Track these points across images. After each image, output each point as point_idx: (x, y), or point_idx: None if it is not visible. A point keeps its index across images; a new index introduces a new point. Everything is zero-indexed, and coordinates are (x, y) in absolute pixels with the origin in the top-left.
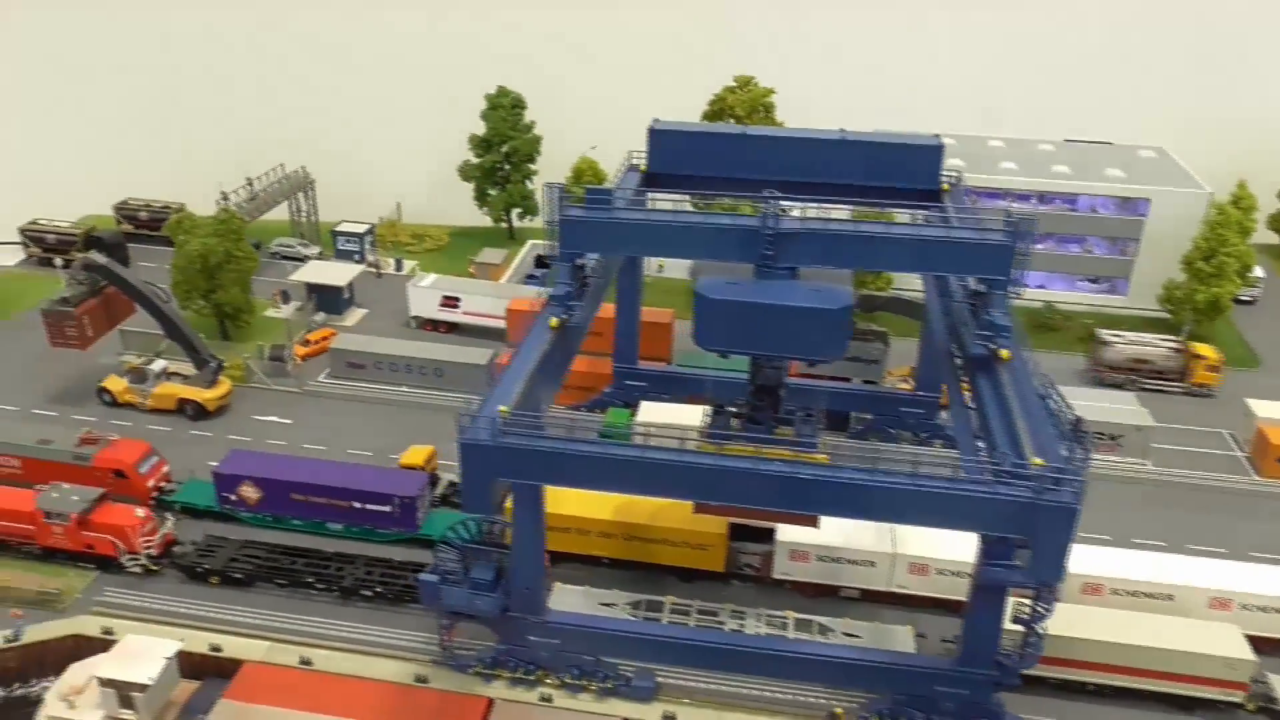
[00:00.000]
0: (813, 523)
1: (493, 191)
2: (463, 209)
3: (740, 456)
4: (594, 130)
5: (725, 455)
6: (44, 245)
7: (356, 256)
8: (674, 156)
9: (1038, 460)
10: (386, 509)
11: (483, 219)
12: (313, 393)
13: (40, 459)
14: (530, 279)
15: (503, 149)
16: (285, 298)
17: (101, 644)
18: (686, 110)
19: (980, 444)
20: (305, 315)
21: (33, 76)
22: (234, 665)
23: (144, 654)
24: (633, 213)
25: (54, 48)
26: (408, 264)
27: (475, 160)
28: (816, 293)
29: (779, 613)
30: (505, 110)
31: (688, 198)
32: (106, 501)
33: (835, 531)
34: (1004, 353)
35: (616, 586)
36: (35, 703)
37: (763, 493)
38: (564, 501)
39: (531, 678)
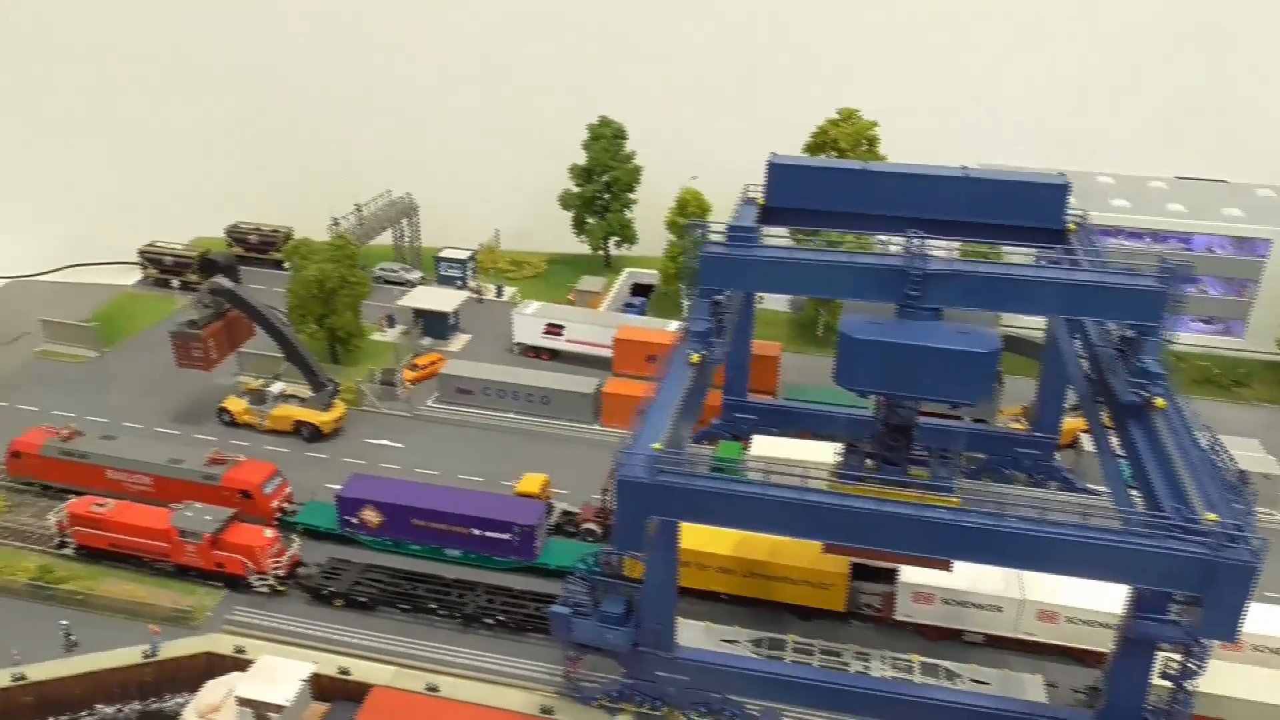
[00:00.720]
0: (946, 566)
1: (591, 220)
2: (559, 237)
3: (893, 500)
4: (692, 161)
5: (884, 499)
6: (161, 266)
7: (459, 282)
8: (792, 190)
9: (1210, 515)
10: (505, 537)
11: (579, 247)
12: (422, 417)
13: (171, 477)
14: (628, 307)
15: (603, 178)
16: (390, 322)
17: (233, 662)
18: (786, 143)
19: (1135, 494)
20: (411, 340)
21: (149, 101)
22: (361, 689)
23: (280, 675)
24: (775, 251)
25: (168, 74)
26: (508, 290)
27: (575, 189)
28: (964, 335)
29: (904, 655)
30: (607, 140)
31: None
32: (237, 521)
33: (961, 574)
34: (1159, 401)
35: (733, 623)
36: (171, 718)
37: (919, 537)
38: (683, 535)
39: (658, 713)
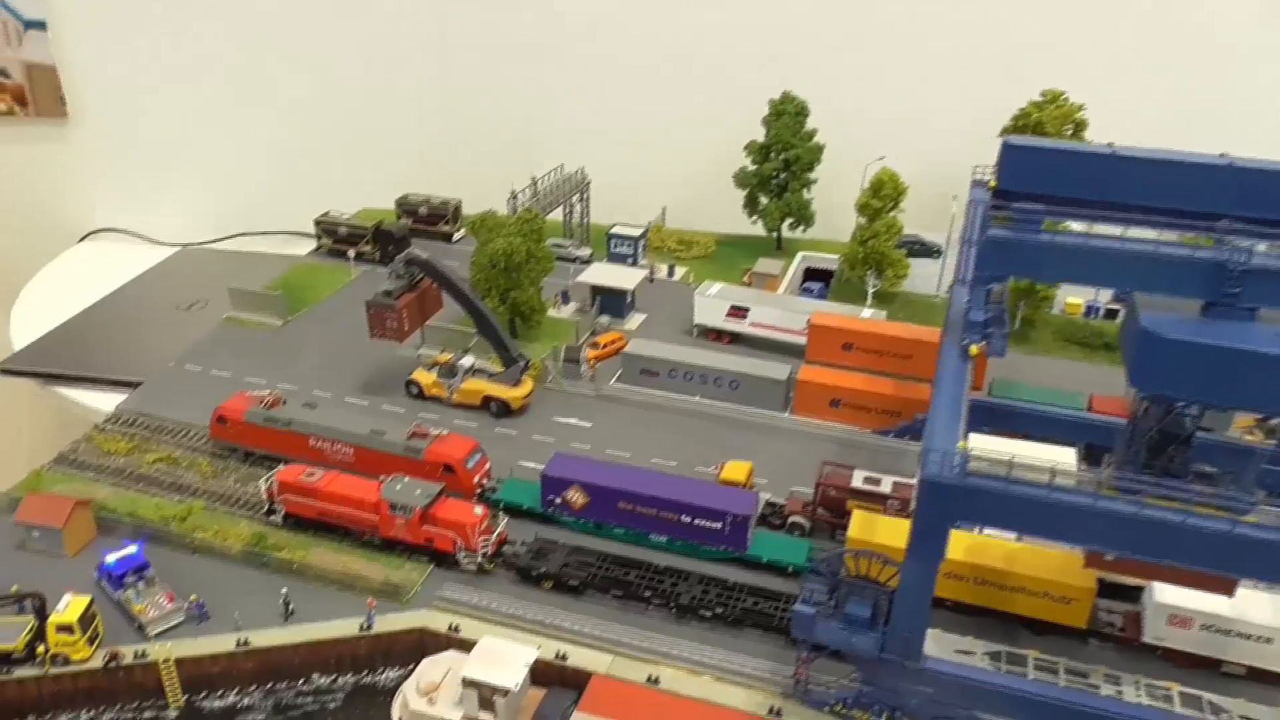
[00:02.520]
0: (1229, 590)
1: (766, 200)
2: (727, 217)
3: (1212, 516)
4: (876, 142)
5: (1204, 514)
6: (335, 237)
7: (630, 260)
8: (1029, 174)
9: None
10: (717, 526)
11: (747, 227)
12: (606, 397)
13: (373, 449)
14: (805, 292)
15: (782, 157)
16: (565, 299)
17: (446, 640)
18: (980, 124)
19: None
20: (588, 317)
21: (321, 75)
22: (577, 675)
23: (505, 658)
24: (1070, 238)
25: (339, 48)
26: (679, 270)
27: (752, 167)
28: None
29: (1159, 683)
30: (790, 117)
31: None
32: (444, 497)
33: (1222, 599)
34: None
35: (957, 631)
36: (383, 691)
37: (1233, 554)
38: (878, 530)
39: None
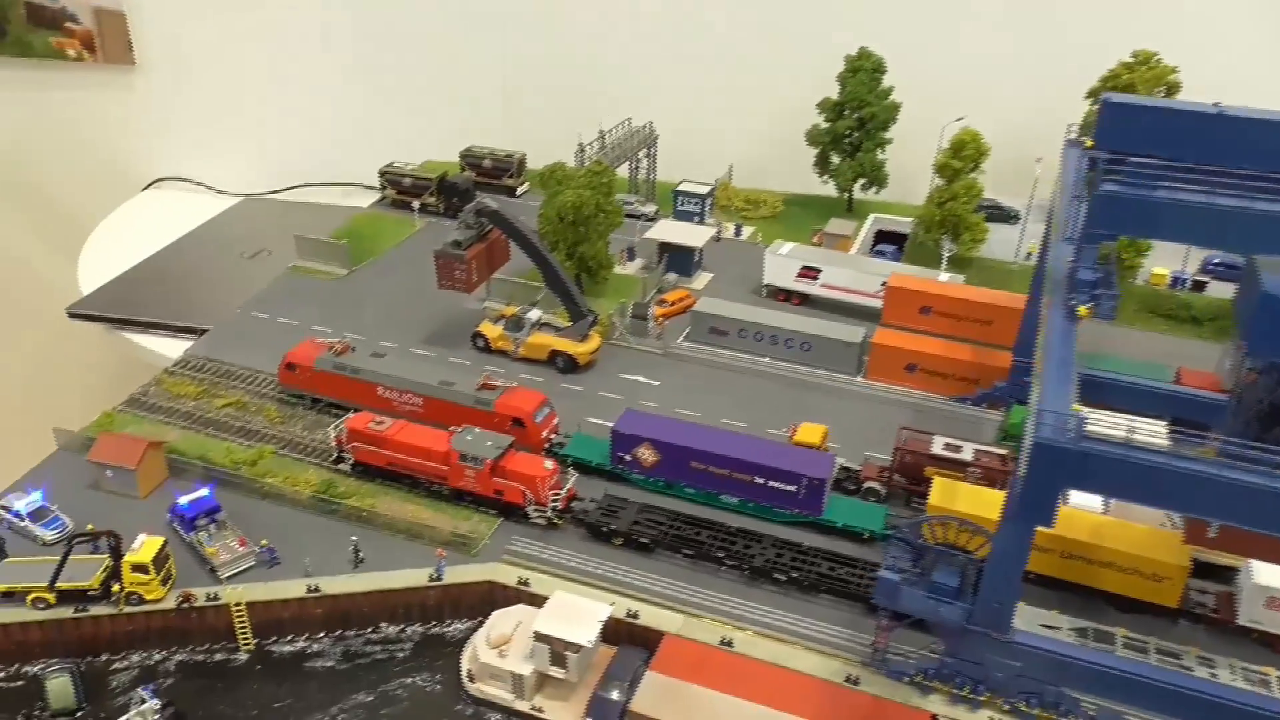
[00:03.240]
0: None
1: (837, 159)
2: (795, 176)
3: None
4: (955, 102)
5: None
6: (400, 188)
7: (696, 218)
8: (1130, 134)
9: None
10: (792, 489)
11: (815, 187)
12: (674, 355)
13: (442, 399)
14: (877, 254)
15: (856, 115)
16: (630, 255)
17: (515, 594)
18: (1063, 86)
19: None
20: (654, 274)
21: (387, 26)
22: (647, 634)
23: (578, 614)
24: (1193, 195)
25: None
26: (746, 230)
27: (824, 125)
28: None
29: (1255, 667)
30: (866, 74)
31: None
32: (514, 450)
33: None
34: None
35: (1040, 605)
36: (451, 642)
37: None
38: (993, 505)
39: (980, 698)
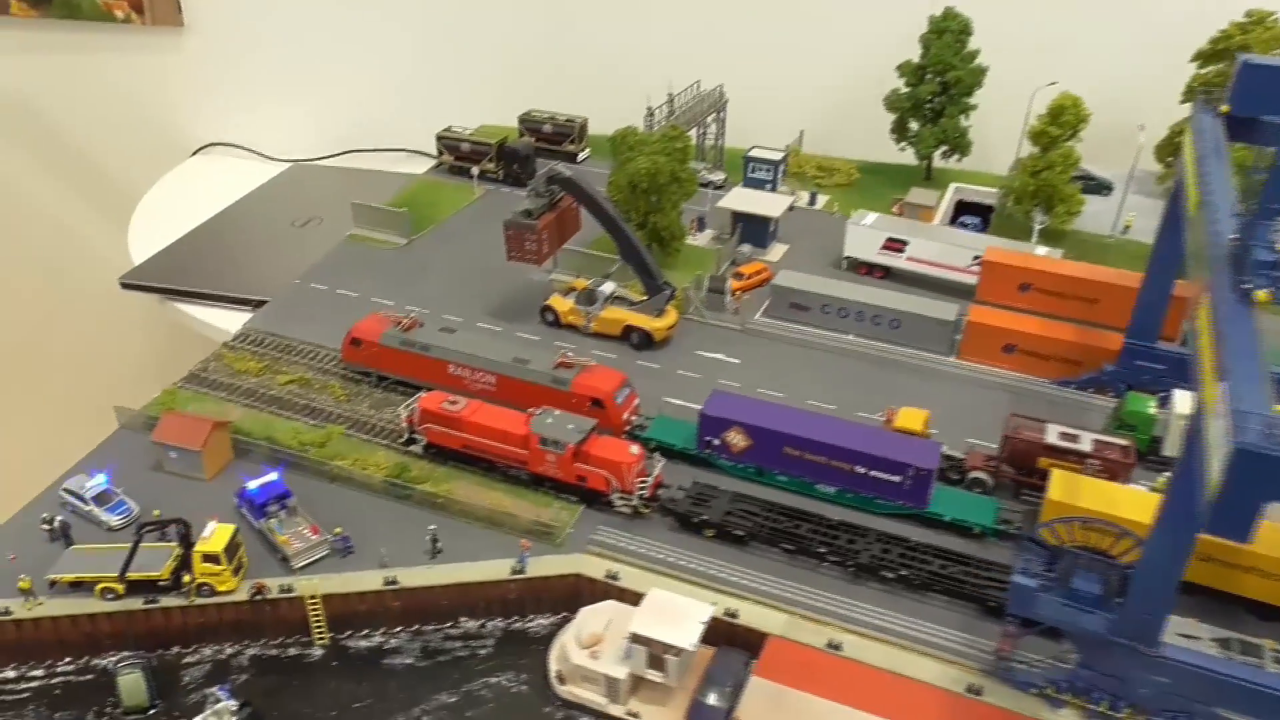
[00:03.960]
0: None
1: (917, 125)
2: (869, 143)
3: None
4: (1043, 67)
5: None
6: (457, 154)
7: (768, 186)
8: (1268, 98)
9: None
10: (896, 479)
11: (891, 155)
12: (753, 331)
13: (517, 378)
14: (960, 226)
15: (939, 80)
16: (700, 225)
17: (603, 588)
18: (1162, 49)
19: None
20: (728, 246)
21: None
22: (748, 635)
23: (677, 613)
24: None
25: None
26: (821, 199)
27: (905, 90)
28: None
29: None
30: (951, 35)
31: None
32: (596, 433)
33: None
34: None
35: (1176, 613)
36: (535, 639)
37: None
38: (1118, 502)
39: (1119, 715)
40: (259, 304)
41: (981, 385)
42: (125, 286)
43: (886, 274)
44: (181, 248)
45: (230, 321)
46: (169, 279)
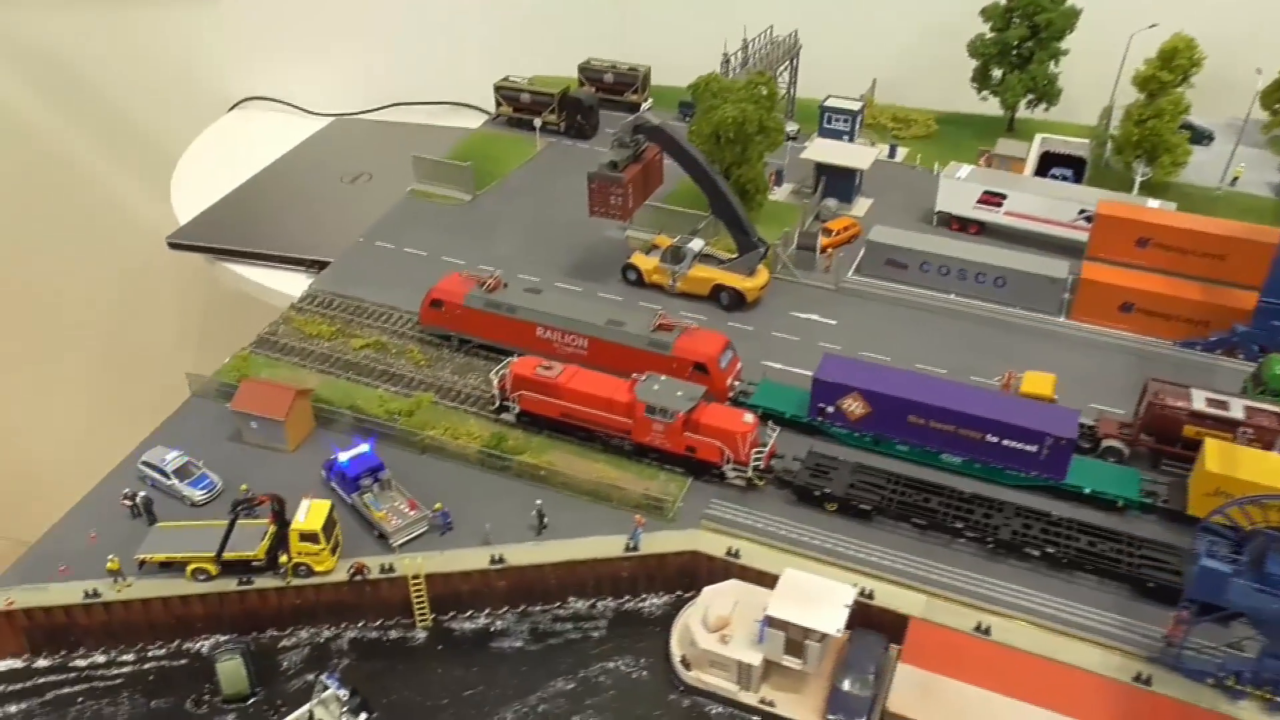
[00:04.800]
0: None
1: (999, 72)
2: (943, 92)
3: None
4: (1139, 9)
5: None
6: (517, 105)
7: (845, 137)
8: None
9: None
10: (1032, 449)
11: (969, 105)
12: (847, 291)
13: (612, 341)
14: (1050, 179)
15: (1028, 23)
16: (779, 179)
17: (722, 566)
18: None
19: None
20: (811, 200)
21: None
22: (884, 616)
23: (815, 595)
24: None
25: None
26: (900, 151)
27: (990, 35)
28: None
29: None
30: None
31: None
32: (706, 401)
33: None
34: None
35: None
36: (649, 620)
37: None
38: (1241, 464)
39: None
40: (314, 264)
41: (1097, 347)
42: (173, 246)
43: (981, 230)
44: (228, 205)
45: (283, 282)
46: (218, 238)
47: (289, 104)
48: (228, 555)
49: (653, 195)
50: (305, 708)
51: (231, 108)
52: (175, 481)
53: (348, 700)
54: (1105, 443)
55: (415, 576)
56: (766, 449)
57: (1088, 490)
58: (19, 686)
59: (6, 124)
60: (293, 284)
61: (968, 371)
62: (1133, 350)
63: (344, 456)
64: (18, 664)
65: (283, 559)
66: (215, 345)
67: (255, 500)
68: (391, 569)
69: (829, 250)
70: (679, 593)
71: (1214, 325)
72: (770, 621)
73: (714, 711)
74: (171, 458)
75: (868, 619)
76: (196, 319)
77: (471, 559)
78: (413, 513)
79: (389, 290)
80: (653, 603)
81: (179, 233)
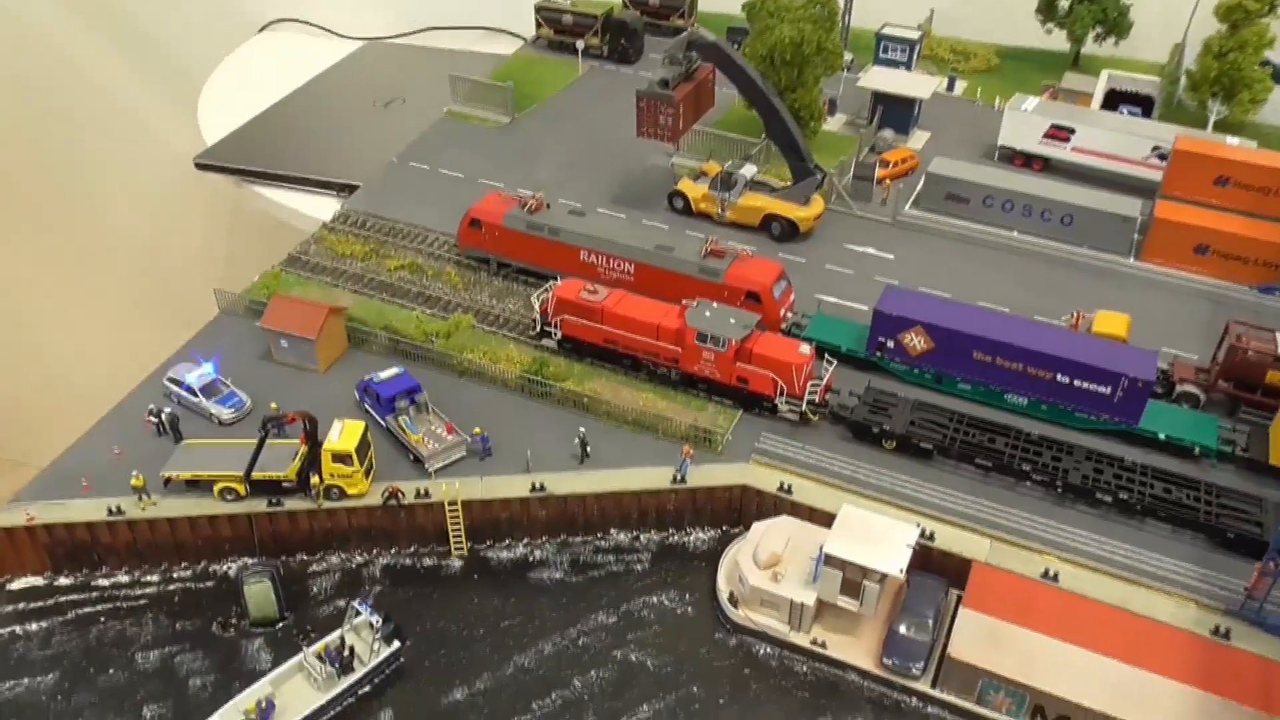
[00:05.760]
0: None
1: (1066, 3)
2: (1003, 25)
3: None
4: None
5: None
6: (558, 27)
7: (902, 67)
8: None
9: None
10: (1104, 391)
11: (1031, 39)
12: (904, 224)
13: (660, 267)
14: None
15: None
16: (831, 108)
17: (771, 501)
18: None
19: None
20: (868, 131)
21: None
22: (945, 560)
23: (875, 534)
24: None
25: None
26: (959, 84)
27: None
28: None
29: None
30: None
31: None
32: (758, 330)
33: None
34: None
35: None
36: (695, 555)
37: None
38: None
39: None
40: (344, 187)
41: (1168, 290)
42: (200, 167)
43: (1045, 166)
44: (256, 128)
45: (312, 206)
46: (246, 160)
47: (319, 26)
48: (257, 475)
49: (701, 119)
50: (336, 633)
51: (261, 29)
52: (202, 399)
53: (380, 627)
54: (1180, 388)
55: (452, 503)
56: (822, 383)
57: (1162, 436)
58: (40, 604)
59: (35, 45)
60: (321, 207)
61: (1031, 312)
62: (1206, 294)
63: (380, 376)
64: (39, 581)
65: (314, 480)
66: (242, 267)
67: (285, 418)
68: (427, 494)
69: (886, 182)
70: (725, 528)
71: None
72: (827, 560)
73: (762, 651)
74: (198, 374)
75: (926, 562)
76: (222, 241)
77: (511, 486)
78: (450, 437)
79: (424, 211)
80: (698, 537)
81: (206, 153)
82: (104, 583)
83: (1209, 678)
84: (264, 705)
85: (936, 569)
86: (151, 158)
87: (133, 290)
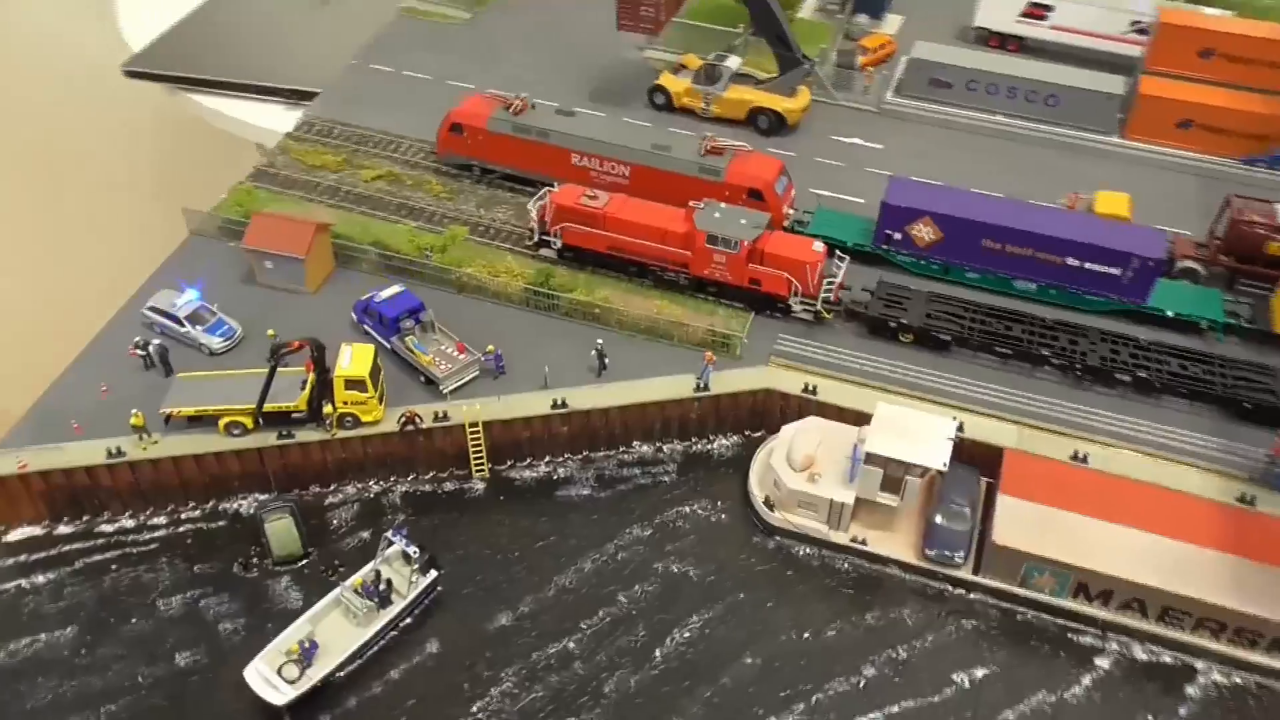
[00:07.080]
0: None
1: None
2: None
3: None
4: None
5: None
6: None
7: None
8: None
9: None
10: (1114, 272)
11: None
12: (889, 113)
13: (656, 167)
14: None
15: None
16: None
17: (796, 403)
18: None
19: None
20: (844, 16)
21: None
22: (975, 449)
23: (913, 429)
24: None
25: None
26: None
27: None
28: None
29: None
30: None
31: None
32: (769, 229)
33: None
34: None
35: None
36: (721, 463)
37: None
38: None
39: None
40: (295, 94)
41: (1155, 166)
42: (130, 75)
43: (1020, 47)
44: (188, 30)
45: (262, 115)
46: (181, 66)
47: None
48: (269, 408)
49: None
50: (370, 566)
51: None
52: (190, 328)
53: (416, 557)
54: (1181, 263)
55: (473, 424)
56: (837, 280)
57: (1170, 313)
58: (42, 555)
59: None
60: (272, 116)
61: (1024, 196)
62: (1192, 169)
63: (382, 295)
64: (37, 531)
65: (327, 409)
66: (195, 185)
67: (291, 346)
68: (446, 417)
69: (868, 69)
70: (748, 433)
71: (1275, 140)
72: (868, 458)
73: (801, 552)
74: (182, 302)
75: (957, 452)
76: (168, 158)
77: (532, 404)
78: (463, 356)
79: (394, 116)
80: (721, 444)
81: (136, 59)
82: (108, 529)
83: (1241, 543)
84: (306, 645)
85: (965, 458)
86: (68, 67)
87: (83, 214)
